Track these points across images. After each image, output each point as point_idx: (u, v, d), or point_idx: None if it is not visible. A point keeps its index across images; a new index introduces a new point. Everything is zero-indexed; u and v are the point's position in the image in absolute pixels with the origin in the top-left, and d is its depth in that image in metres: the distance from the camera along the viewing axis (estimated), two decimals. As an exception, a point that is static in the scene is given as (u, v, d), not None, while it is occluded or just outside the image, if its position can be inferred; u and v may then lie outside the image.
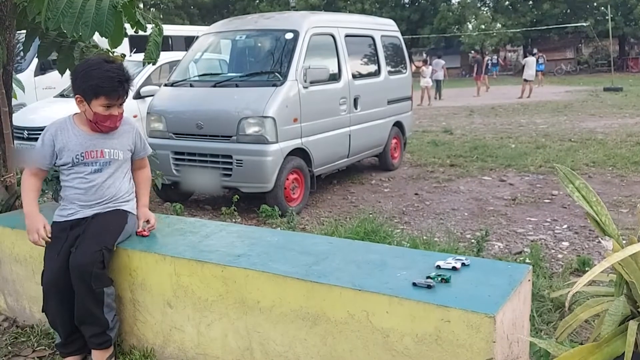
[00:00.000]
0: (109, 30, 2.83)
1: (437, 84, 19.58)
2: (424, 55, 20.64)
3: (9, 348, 2.97)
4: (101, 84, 2.48)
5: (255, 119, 5.50)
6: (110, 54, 3.63)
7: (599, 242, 4.52)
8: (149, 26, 3.31)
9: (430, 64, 20.18)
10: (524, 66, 20.41)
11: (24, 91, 4.17)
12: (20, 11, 3.47)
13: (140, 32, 3.44)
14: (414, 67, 17.96)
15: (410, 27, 35.54)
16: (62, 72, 3.74)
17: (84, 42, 3.57)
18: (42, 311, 2.64)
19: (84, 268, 2.45)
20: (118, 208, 2.72)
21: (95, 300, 2.49)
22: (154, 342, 2.67)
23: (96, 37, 3.11)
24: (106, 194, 2.69)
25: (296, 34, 6.03)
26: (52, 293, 2.54)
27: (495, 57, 24.92)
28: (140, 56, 6.58)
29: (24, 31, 3.75)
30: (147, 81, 7.92)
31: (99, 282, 2.48)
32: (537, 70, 22.76)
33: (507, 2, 36.44)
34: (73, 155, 2.61)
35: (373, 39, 7.40)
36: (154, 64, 3.62)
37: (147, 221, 2.82)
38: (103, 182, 2.68)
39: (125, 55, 3.83)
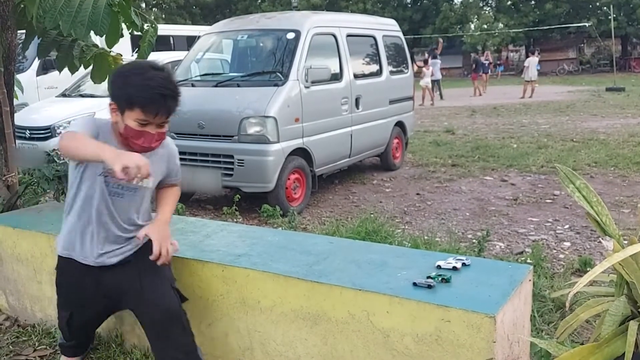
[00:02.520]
0: (104, 29, 2.83)
1: (434, 83, 19.52)
2: (426, 55, 20.55)
3: (11, 347, 2.98)
4: (138, 94, 2.04)
5: (257, 118, 5.50)
6: (110, 53, 3.64)
7: (600, 242, 4.51)
8: (145, 25, 3.32)
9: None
10: (525, 67, 20.35)
11: (22, 92, 4.17)
12: (21, 11, 3.48)
13: (141, 33, 3.46)
14: (415, 67, 17.94)
15: (412, 27, 35.51)
16: (60, 70, 3.76)
17: (83, 41, 3.58)
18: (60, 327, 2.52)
19: (174, 313, 2.23)
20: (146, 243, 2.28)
21: (190, 338, 2.28)
22: (154, 342, 2.67)
23: (96, 36, 3.12)
24: (124, 226, 2.28)
25: (298, 33, 6.04)
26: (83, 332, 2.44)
27: (486, 57, 24.77)
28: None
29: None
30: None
31: (187, 321, 2.28)
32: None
33: (509, 2, 36.38)
34: (99, 168, 2.16)
35: (375, 38, 7.40)
36: None
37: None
38: (122, 208, 2.25)
39: (121, 55, 3.83)
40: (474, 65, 23.43)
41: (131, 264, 2.27)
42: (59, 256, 2.35)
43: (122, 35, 3.26)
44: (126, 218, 2.27)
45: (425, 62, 19.85)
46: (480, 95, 21.06)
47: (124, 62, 3.70)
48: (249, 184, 5.59)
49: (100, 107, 7.30)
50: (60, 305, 2.44)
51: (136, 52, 3.53)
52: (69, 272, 2.33)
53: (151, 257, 2.17)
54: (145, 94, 2.04)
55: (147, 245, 2.23)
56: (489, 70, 23.63)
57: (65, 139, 2.09)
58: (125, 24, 3.10)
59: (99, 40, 3.57)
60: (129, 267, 2.27)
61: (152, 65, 2.16)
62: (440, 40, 23.91)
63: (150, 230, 2.22)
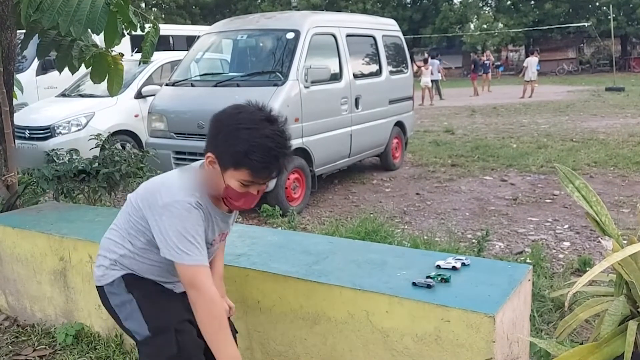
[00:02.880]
0: (100, 27, 2.83)
1: (433, 83, 19.50)
2: (425, 54, 20.56)
3: (10, 347, 2.98)
4: (251, 155, 1.69)
5: (257, 118, 5.49)
6: (109, 53, 3.64)
7: (600, 242, 4.52)
8: (147, 25, 3.32)
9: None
10: (525, 67, 20.34)
11: (22, 92, 4.17)
12: (20, 11, 3.48)
13: (141, 32, 3.46)
14: (415, 67, 17.94)
15: (412, 26, 35.52)
16: (60, 70, 3.75)
17: (83, 41, 3.58)
18: None
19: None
20: None
21: None
22: (154, 342, 2.67)
23: (97, 37, 3.12)
24: None
25: (297, 33, 6.03)
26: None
27: (487, 57, 24.74)
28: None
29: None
30: (149, 81, 7.92)
31: None
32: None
33: (509, 2, 36.38)
34: (209, 241, 1.90)
35: (374, 38, 7.40)
36: (147, 63, 3.65)
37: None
38: None
39: (123, 55, 3.83)
40: (472, 66, 23.43)
41: None
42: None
43: (124, 35, 3.26)
44: None
45: (425, 61, 19.84)
46: (477, 95, 21.06)
47: (122, 63, 3.71)
48: (249, 183, 5.58)
49: (100, 107, 7.32)
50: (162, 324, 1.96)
51: (136, 52, 3.53)
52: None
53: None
54: (259, 157, 1.69)
55: None
56: (490, 70, 23.54)
57: (212, 323, 1.76)
58: (123, 23, 3.09)
59: (98, 40, 3.57)
60: None
61: (266, 117, 1.76)
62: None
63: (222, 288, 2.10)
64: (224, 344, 1.77)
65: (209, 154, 1.78)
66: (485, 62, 23.51)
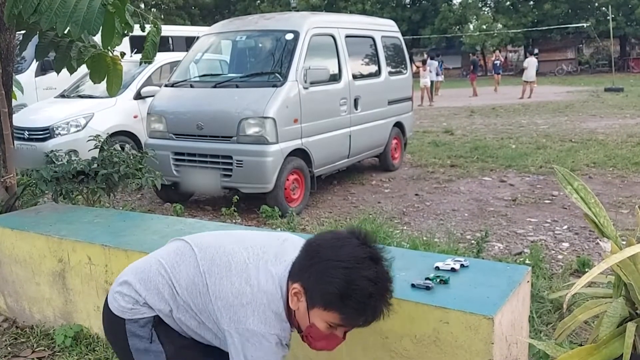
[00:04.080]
0: (96, 28, 2.83)
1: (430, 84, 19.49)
2: (425, 55, 20.51)
3: (9, 349, 2.98)
4: (347, 300, 1.49)
5: (256, 119, 5.50)
6: (110, 54, 3.64)
7: (599, 243, 4.52)
8: (147, 26, 3.32)
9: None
10: (525, 67, 20.36)
11: (22, 92, 4.17)
12: (13, 12, 3.48)
13: (142, 33, 3.46)
14: (414, 68, 17.95)
15: (411, 27, 35.55)
16: (58, 71, 3.75)
17: (82, 42, 3.58)
18: None
19: None
20: None
21: None
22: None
23: (97, 37, 3.12)
24: None
25: (296, 34, 6.04)
26: None
27: (496, 57, 24.66)
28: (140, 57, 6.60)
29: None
30: (148, 82, 7.92)
31: None
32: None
33: (508, 3, 36.42)
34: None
35: (373, 39, 7.40)
36: (150, 63, 3.65)
37: None
38: None
39: (125, 54, 3.83)
40: (471, 66, 23.42)
41: None
42: None
43: (124, 35, 3.26)
44: None
45: (424, 62, 19.85)
46: (476, 95, 21.05)
47: (121, 63, 3.71)
48: (248, 184, 5.59)
49: (99, 108, 7.31)
50: None
51: (135, 53, 3.53)
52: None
53: None
54: (356, 303, 1.49)
55: None
56: (501, 71, 23.40)
57: None
58: (121, 24, 3.09)
59: (99, 41, 3.57)
60: None
61: (371, 255, 1.54)
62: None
63: None
64: None
65: (295, 286, 1.56)
66: (495, 62, 23.41)
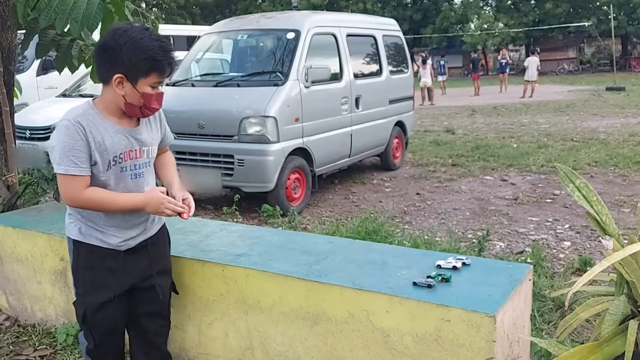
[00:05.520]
0: (95, 25, 2.83)
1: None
2: (423, 55, 20.44)
3: (11, 347, 2.98)
4: (157, 57, 1.93)
5: (257, 118, 5.50)
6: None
7: (600, 241, 4.51)
8: (147, 25, 3.31)
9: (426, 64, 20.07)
10: (526, 67, 20.34)
11: (21, 92, 4.17)
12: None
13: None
14: (415, 67, 17.93)
15: (412, 26, 35.53)
16: (60, 70, 3.75)
17: (82, 41, 3.58)
18: (88, 354, 2.24)
19: (167, 302, 2.28)
20: (162, 225, 2.32)
21: (167, 333, 2.34)
22: (154, 342, 2.67)
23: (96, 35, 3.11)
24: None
25: (298, 33, 6.04)
26: (115, 337, 2.21)
27: (502, 56, 24.39)
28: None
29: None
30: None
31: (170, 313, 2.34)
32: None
33: (509, 2, 36.38)
34: (110, 158, 2.01)
35: (375, 38, 7.40)
36: None
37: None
38: (142, 189, 2.12)
39: None
40: (471, 65, 23.35)
41: (147, 251, 2.19)
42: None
43: None
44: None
45: (424, 62, 19.84)
46: (478, 95, 21.01)
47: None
48: (249, 183, 5.59)
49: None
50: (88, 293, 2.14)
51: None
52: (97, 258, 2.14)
53: (185, 216, 2.12)
54: (163, 55, 1.94)
55: (158, 235, 2.26)
56: (507, 70, 23.24)
57: (82, 198, 1.98)
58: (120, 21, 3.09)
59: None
60: (146, 253, 2.18)
61: (143, 27, 2.03)
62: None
63: (181, 192, 2.21)
64: (113, 204, 2.03)
65: (116, 76, 1.94)
66: (501, 61, 23.28)
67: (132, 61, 1.91)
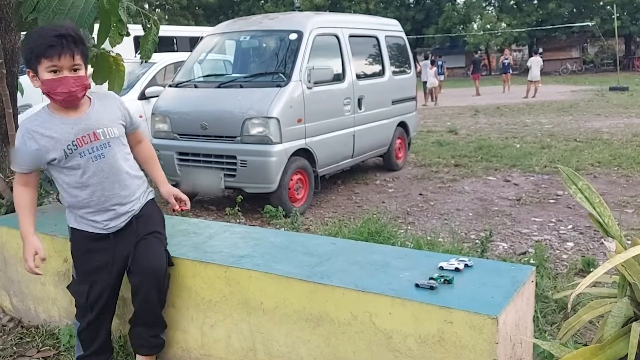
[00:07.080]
0: (88, 22, 2.84)
1: (425, 84, 19.44)
2: (423, 55, 20.42)
3: (14, 348, 2.99)
4: (37, 44, 2.10)
5: (260, 119, 5.51)
6: (110, 54, 3.64)
7: (603, 242, 4.51)
8: (147, 25, 3.32)
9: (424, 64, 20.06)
10: (529, 67, 20.30)
11: (22, 94, 4.18)
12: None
13: (144, 31, 3.46)
14: (418, 67, 17.93)
15: (415, 27, 35.53)
16: None
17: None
18: (78, 335, 2.50)
19: (160, 269, 2.38)
20: (148, 201, 2.48)
21: (162, 301, 2.45)
22: (157, 343, 2.68)
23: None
24: (120, 184, 2.33)
25: (300, 34, 6.04)
26: (105, 315, 2.45)
27: (505, 56, 24.28)
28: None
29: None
30: (152, 82, 7.94)
31: (168, 281, 2.46)
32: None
33: (512, 2, 36.34)
34: (64, 147, 2.21)
35: (377, 39, 7.40)
36: (146, 61, 3.64)
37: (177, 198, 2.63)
38: (110, 170, 2.30)
39: (120, 55, 3.83)
40: (472, 66, 23.33)
41: (132, 227, 2.40)
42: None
43: (128, 34, 3.26)
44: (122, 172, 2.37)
45: (433, 62, 19.81)
46: (479, 95, 20.97)
47: (123, 64, 3.72)
48: (252, 184, 5.59)
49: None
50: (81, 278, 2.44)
51: (139, 54, 3.53)
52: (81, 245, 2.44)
53: (177, 208, 2.58)
54: (42, 40, 2.09)
55: (144, 210, 2.44)
56: (510, 70, 23.17)
57: (14, 190, 2.38)
58: (114, 21, 3.10)
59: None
60: (132, 230, 2.40)
61: (50, 24, 2.33)
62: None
63: (173, 190, 2.63)
64: (18, 213, 2.38)
65: (28, 72, 2.16)
66: (504, 61, 23.23)
67: (27, 55, 2.15)
